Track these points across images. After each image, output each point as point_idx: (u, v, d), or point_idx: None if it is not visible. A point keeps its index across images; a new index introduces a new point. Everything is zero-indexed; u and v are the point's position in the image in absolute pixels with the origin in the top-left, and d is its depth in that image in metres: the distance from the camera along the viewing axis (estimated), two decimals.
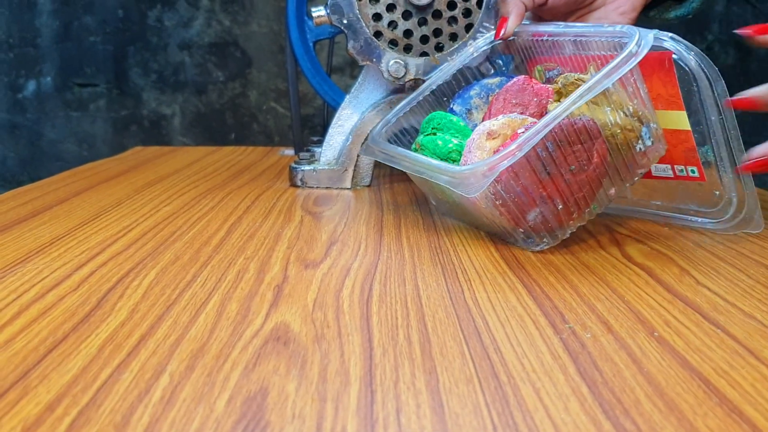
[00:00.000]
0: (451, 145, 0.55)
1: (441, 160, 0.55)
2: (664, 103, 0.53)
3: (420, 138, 0.58)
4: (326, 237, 0.53)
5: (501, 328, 0.35)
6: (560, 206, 0.48)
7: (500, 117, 0.52)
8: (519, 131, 0.49)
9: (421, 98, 0.64)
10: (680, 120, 0.52)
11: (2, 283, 0.41)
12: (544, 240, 0.50)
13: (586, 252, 0.50)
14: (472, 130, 0.55)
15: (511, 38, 0.63)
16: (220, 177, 0.80)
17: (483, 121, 0.58)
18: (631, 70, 0.47)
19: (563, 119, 0.46)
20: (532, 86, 0.55)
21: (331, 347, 0.33)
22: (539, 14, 0.65)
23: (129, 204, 0.64)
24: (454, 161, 0.55)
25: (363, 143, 0.73)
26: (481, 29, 0.69)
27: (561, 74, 0.56)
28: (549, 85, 0.55)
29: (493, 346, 0.33)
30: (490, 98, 0.59)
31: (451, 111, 0.61)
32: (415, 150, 0.58)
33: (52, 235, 0.52)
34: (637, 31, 0.49)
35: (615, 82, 0.47)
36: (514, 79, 0.56)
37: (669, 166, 0.55)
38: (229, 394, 0.28)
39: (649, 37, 0.48)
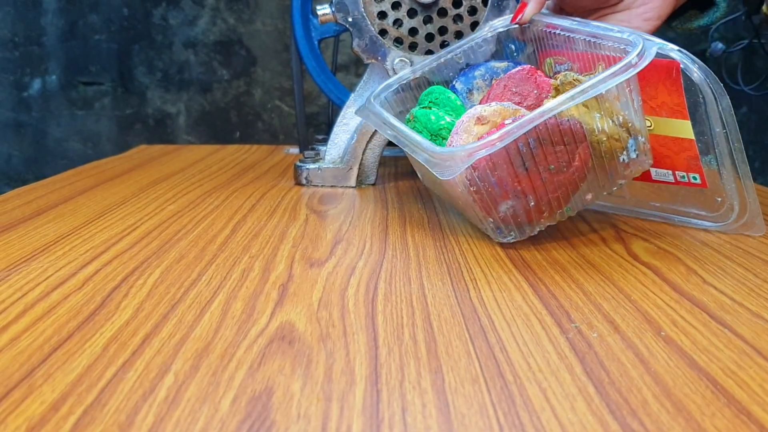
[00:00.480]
0: (443, 122, 0.55)
1: (431, 135, 0.55)
2: (668, 112, 0.52)
3: (415, 109, 0.58)
4: (331, 236, 0.53)
5: (507, 327, 0.35)
6: (532, 203, 0.48)
7: (493, 104, 0.52)
8: (506, 122, 0.49)
9: (427, 69, 0.64)
10: (684, 129, 0.52)
11: (7, 282, 0.41)
12: (511, 233, 0.50)
13: (592, 250, 0.49)
14: None
15: (527, 26, 0.62)
16: (224, 175, 0.80)
17: (480, 104, 0.58)
18: (627, 80, 0.47)
19: (550, 118, 0.46)
20: (536, 78, 0.55)
21: (337, 346, 0.32)
22: (562, 5, 0.65)
23: (134, 202, 0.64)
24: (444, 139, 0.55)
25: (368, 141, 0.73)
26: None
27: (569, 70, 0.55)
28: (559, 76, 0.55)
29: (498, 346, 0.33)
30: (494, 82, 0.59)
31: (453, 88, 0.61)
32: (408, 120, 0.58)
33: (56, 234, 0.52)
34: (642, 42, 0.48)
35: (609, 90, 0.47)
36: (519, 67, 0.56)
37: (670, 172, 0.55)
38: (234, 393, 0.28)
39: (652, 50, 0.48)
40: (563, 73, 0.52)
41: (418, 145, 0.50)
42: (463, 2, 0.69)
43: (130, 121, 1.36)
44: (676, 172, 0.54)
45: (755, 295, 0.40)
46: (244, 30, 1.33)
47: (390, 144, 0.77)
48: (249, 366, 0.30)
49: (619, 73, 0.46)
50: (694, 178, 0.53)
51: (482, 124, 0.50)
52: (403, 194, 0.70)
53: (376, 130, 0.73)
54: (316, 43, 0.87)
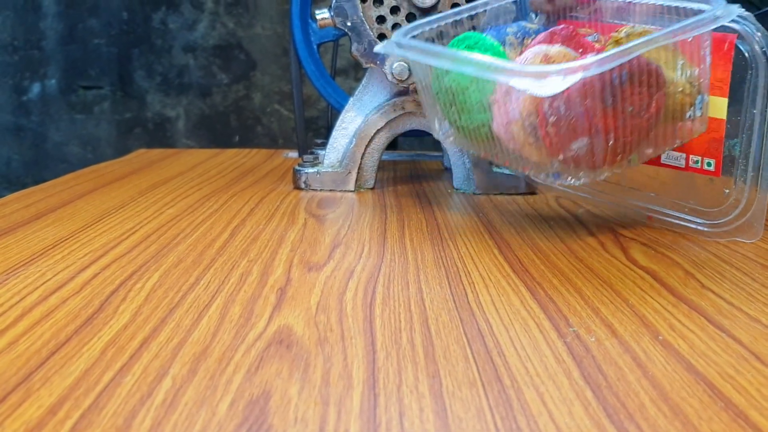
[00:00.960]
0: None
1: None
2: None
3: None
4: (329, 240, 0.53)
5: (505, 331, 0.35)
6: (611, 142, 0.46)
7: (556, 45, 0.49)
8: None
9: (449, 21, 0.60)
10: (719, 107, 0.50)
11: (6, 286, 0.41)
12: (580, 175, 0.47)
13: (590, 255, 0.49)
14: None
15: None
16: (223, 179, 0.80)
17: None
18: (707, 33, 0.46)
19: (640, 56, 0.44)
20: (580, 38, 0.53)
21: (334, 350, 0.32)
22: None
23: (133, 206, 0.64)
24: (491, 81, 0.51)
25: (367, 145, 0.73)
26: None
27: (598, 40, 0.54)
28: (596, 43, 0.53)
29: (496, 350, 0.33)
30: (525, 42, 0.56)
31: None
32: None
33: (55, 238, 0.52)
34: (723, 1, 0.47)
35: (691, 40, 0.45)
36: (563, 26, 0.54)
37: (684, 156, 0.53)
38: (232, 397, 0.28)
39: (734, 8, 0.47)
40: (629, 26, 0.50)
41: (498, 67, 0.47)
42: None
43: (129, 125, 1.36)
44: (691, 156, 0.53)
45: (753, 300, 0.40)
46: (244, 34, 1.33)
47: (389, 148, 0.78)
48: (247, 370, 0.30)
49: (706, 22, 0.45)
50: (708, 165, 0.52)
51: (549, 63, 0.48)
52: (402, 198, 0.70)
53: (375, 134, 0.73)
54: (315, 47, 0.87)
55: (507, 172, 0.73)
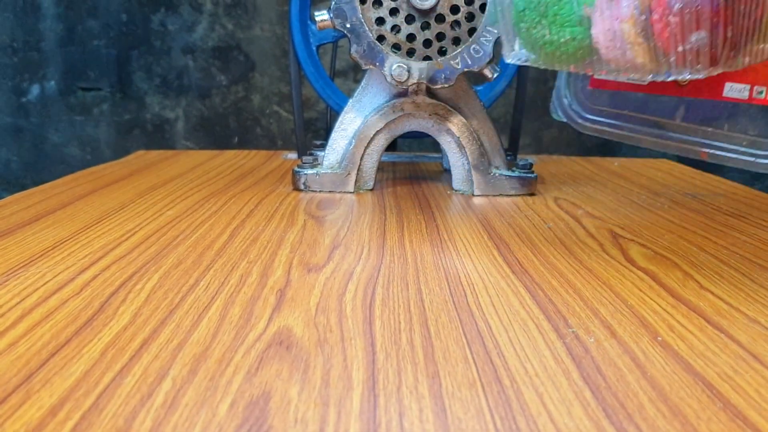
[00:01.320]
0: None
1: None
2: None
3: None
4: (329, 241, 0.53)
5: (504, 332, 0.35)
6: (729, 34, 0.45)
7: None
8: None
9: None
10: None
11: (5, 287, 0.41)
12: (698, 68, 0.46)
13: (590, 255, 0.50)
14: None
15: None
16: (223, 181, 0.80)
17: None
18: None
19: None
20: None
21: (334, 351, 0.33)
22: None
23: (132, 208, 0.64)
24: None
25: (366, 147, 0.73)
26: (484, 33, 0.69)
27: None
28: None
29: (496, 351, 0.33)
30: None
31: None
32: None
33: (55, 239, 0.52)
34: None
35: None
36: None
37: (747, 87, 0.52)
38: (232, 398, 0.28)
39: None
40: None
41: None
42: (461, 8, 0.69)
43: (128, 126, 1.36)
44: (755, 88, 0.52)
45: (752, 300, 0.40)
46: (243, 36, 1.33)
47: (388, 149, 0.78)
48: (246, 371, 0.30)
49: None
50: None
51: None
52: (401, 199, 0.70)
53: (374, 136, 0.73)
54: (314, 48, 0.87)
55: (506, 173, 0.73)
